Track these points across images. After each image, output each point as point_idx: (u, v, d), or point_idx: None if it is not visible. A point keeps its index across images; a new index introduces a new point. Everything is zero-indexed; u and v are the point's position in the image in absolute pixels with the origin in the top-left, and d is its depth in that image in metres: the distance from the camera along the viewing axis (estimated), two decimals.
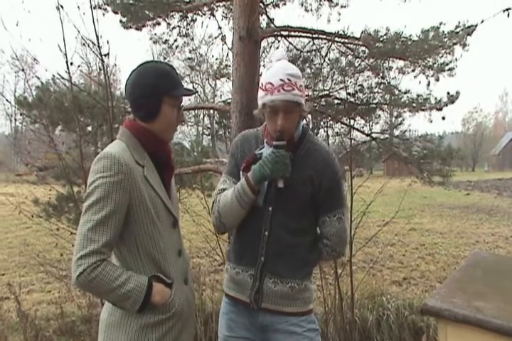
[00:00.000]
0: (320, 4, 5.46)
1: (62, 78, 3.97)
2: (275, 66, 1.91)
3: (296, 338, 1.93)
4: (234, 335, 2.02)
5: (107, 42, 3.60)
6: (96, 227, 1.52)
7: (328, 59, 5.34)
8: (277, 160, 1.81)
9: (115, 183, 1.55)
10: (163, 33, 5.84)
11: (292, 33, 4.88)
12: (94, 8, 3.43)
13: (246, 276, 1.98)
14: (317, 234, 2.05)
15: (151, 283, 1.61)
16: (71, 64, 3.66)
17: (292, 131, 1.93)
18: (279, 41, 5.45)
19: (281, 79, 1.84)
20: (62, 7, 3.48)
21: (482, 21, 4.55)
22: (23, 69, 4.66)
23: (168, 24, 5.58)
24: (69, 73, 3.74)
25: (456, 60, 4.81)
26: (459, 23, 4.66)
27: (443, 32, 4.67)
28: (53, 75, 4.36)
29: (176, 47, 6.07)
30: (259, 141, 2.03)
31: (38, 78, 4.99)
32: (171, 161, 1.81)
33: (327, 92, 5.25)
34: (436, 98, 5.03)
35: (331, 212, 1.97)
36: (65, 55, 3.58)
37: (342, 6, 5.42)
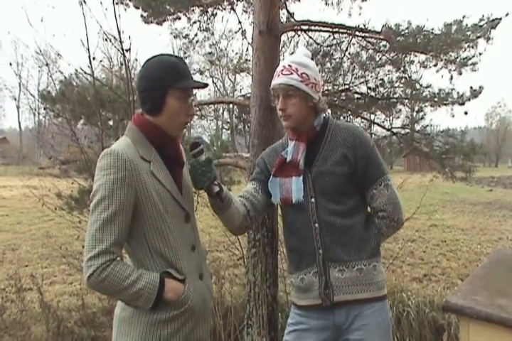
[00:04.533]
0: None
1: (85, 73, 4.02)
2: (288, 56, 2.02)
3: (367, 332, 1.90)
4: None
5: (129, 37, 3.62)
6: (103, 227, 1.51)
7: (349, 53, 5.29)
8: (195, 170, 1.79)
9: (119, 180, 1.54)
10: (184, 28, 5.85)
11: (312, 28, 4.84)
12: (116, 3, 3.45)
13: (310, 277, 1.96)
14: (368, 211, 2.04)
15: (163, 280, 1.59)
16: (93, 59, 3.71)
17: (299, 118, 1.95)
18: (299, 35, 5.41)
19: (283, 66, 1.94)
20: (85, 2, 3.51)
21: (507, 14, 4.46)
22: (46, 64, 4.71)
23: (189, 19, 5.58)
24: (91, 68, 3.78)
25: (479, 54, 4.72)
26: (483, 16, 4.57)
27: (466, 25, 4.58)
28: (76, 70, 4.43)
29: (196, 41, 6.07)
30: (285, 147, 2.08)
31: (61, 73, 5.04)
32: (180, 156, 1.79)
33: (347, 87, 5.21)
34: (458, 92, 4.95)
35: (376, 181, 1.96)
36: (88, 50, 3.63)
37: (363, 0, 5.36)
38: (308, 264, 1.97)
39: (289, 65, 1.92)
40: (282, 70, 1.93)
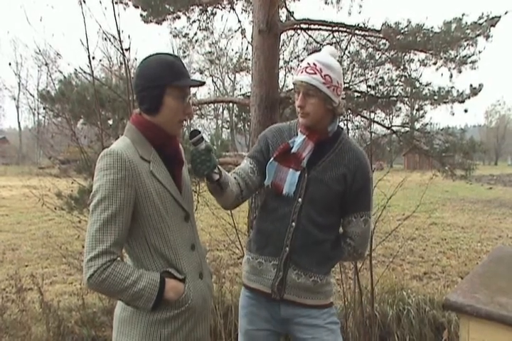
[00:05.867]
0: None
1: (84, 72, 4.01)
2: (314, 54, 2.00)
3: (318, 330, 1.95)
4: (255, 328, 2.04)
5: (128, 36, 3.62)
6: (103, 227, 1.51)
7: (349, 52, 5.29)
8: (194, 159, 1.76)
9: (119, 180, 1.54)
10: (183, 27, 5.85)
11: (312, 26, 4.84)
12: (115, 2, 3.45)
13: (269, 266, 1.99)
14: (339, 232, 2.09)
15: (163, 280, 1.59)
16: (93, 58, 3.70)
17: (316, 117, 1.94)
18: (298, 34, 5.42)
19: (308, 63, 1.92)
20: (84, 2, 3.51)
21: (506, 12, 4.46)
22: (46, 64, 4.71)
23: (188, 18, 5.58)
24: (91, 67, 3.77)
25: (479, 52, 4.73)
26: (482, 14, 4.57)
27: (466, 23, 4.58)
28: (75, 69, 4.42)
29: (196, 40, 6.08)
30: (292, 133, 2.07)
31: (61, 72, 5.03)
32: (179, 155, 1.78)
33: (347, 85, 5.21)
34: (458, 90, 4.95)
35: (358, 212, 2.01)
36: (87, 49, 3.61)
37: None
38: (270, 253, 2.00)
39: (314, 64, 1.90)
40: (306, 68, 1.91)
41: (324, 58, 1.94)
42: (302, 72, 1.91)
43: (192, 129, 1.82)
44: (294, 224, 1.95)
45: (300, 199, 1.96)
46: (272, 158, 2.02)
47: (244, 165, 2.11)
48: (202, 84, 1.74)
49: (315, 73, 1.88)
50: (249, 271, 2.09)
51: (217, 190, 1.88)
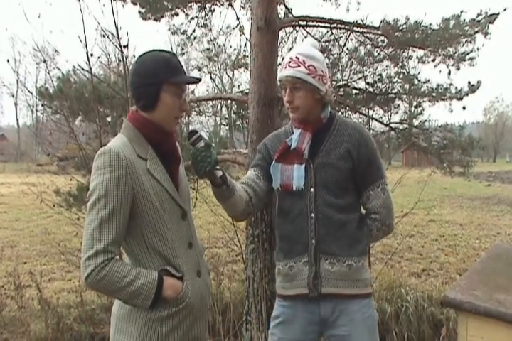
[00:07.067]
0: None
1: (83, 69, 4.01)
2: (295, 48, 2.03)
3: (354, 326, 1.91)
4: (290, 338, 1.99)
5: (127, 33, 3.62)
6: (101, 226, 1.51)
7: (347, 48, 5.27)
8: (195, 157, 1.73)
9: (116, 179, 1.54)
10: (182, 24, 5.83)
11: (310, 23, 4.82)
12: None
13: (300, 265, 1.97)
14: (361, 211, 2.07)
15: (161, 278, 1.59)
16: (91, 55, 3.70)
17: (306, 110, 1.96)
18: (297, 31, 5.40)
19: (291, 57, 1.94)
20: None
21: (505, 9, 4.46)
22: (44, 61, 4.70)
23: (187, 15, 5.56)
24: (89, 64, 3.77)
25: (477, 49, 4.72)
26: (481, 10, 4.56)
27: (464, 20, 4.57)
28: (74, 66, 4.42)
29: (194, 37, 6.06)
30: (288, 134, 2.08)
31: (59, 69, 5.03)
32: (177, 152, 1.78)
33: (345, 82, 5.20)
34: (456, 87, 4.94)
35: (374, 183, 1.99)
36: (86, 46, 3.61)
37: None
38: (299, 253, 1.98)
39: (297, 57, 1.92)
40: (289, 62, 1.93)
41: (305, 50, 1.96)
42: (286, 67, 1.94)
43: (189, 130, 1.81)
44: (313, 215, 1.94)
45: (312, 190, 1.95)
46: (273, 161, 2.02)
47: (249, 174, 2.11)
48: (198, 80, 1.75)
49: (299, 66, 1.90)
50: (282, 280, 2.06)
51: (225, 194, 1.85)
